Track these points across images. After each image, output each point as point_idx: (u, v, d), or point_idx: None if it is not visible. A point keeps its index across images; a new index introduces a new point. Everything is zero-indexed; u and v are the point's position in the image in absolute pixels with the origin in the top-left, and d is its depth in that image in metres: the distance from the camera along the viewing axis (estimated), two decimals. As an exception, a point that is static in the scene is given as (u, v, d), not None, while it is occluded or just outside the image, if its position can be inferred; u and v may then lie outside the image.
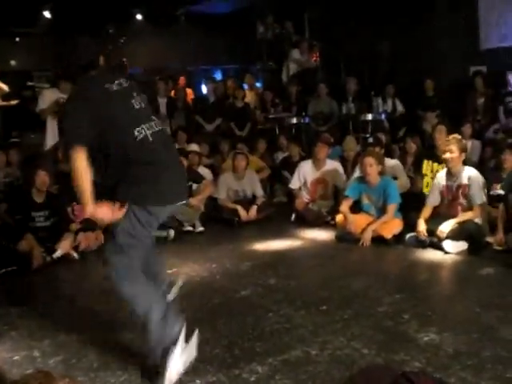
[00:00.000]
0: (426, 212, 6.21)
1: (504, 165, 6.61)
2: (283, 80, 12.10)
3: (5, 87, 6.27)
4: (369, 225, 6.38)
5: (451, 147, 6.03)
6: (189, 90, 11.75)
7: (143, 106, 3.45)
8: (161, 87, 10.12)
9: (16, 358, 3.83)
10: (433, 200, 6.25)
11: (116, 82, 3.40)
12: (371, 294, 4.76)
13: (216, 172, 8.54)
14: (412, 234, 6.16)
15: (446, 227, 5.89)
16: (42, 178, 6.28)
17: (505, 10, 10.29)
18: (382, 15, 11.25)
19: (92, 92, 3.33)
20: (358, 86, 10.69)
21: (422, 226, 6.06)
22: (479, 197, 5.97)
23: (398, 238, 6.26)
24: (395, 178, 7.02)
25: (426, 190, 6.87)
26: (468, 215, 5.95)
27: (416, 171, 7.43)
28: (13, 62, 14.98)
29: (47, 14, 13.51)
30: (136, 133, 3.29)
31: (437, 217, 6.16)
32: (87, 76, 3.72)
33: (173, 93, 10.99)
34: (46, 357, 3.84)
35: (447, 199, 6.16)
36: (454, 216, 6.02)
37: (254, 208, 7.64)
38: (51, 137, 7.74)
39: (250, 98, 11.01)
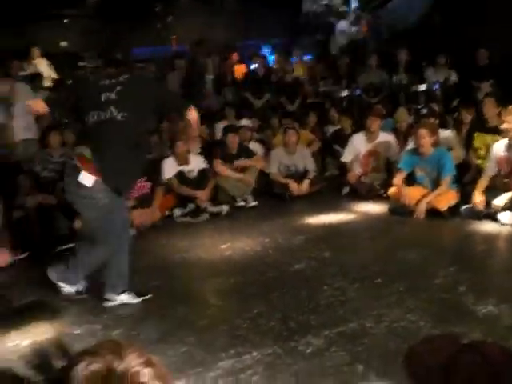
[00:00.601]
0: (483, 183, 6.08)
1: None
2: (332, 52, 11.96)
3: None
4: (423, 197, 6.29)
5: (508, 118, 5.87)
6: (241, 66, 11.68)
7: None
8: (208, 64, 10.10)
9: (77, 331, 3.94)
10: (490, 171, 6.11)
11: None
12: (426, 267, 4.71)
13: (267, 147, 8.54)
14: (467, 205, 6.05)
15: (500, 201, 5.77)
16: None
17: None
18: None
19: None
20: (410, 57, 10.47)
21: (478, 198, 5.95)
22: None
23: (453, 210, 6.16)
24: (450, 149, 6.89)
25: (479, 162, 6.72)
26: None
27: (469, 142, 7.26)
28: (63, 44, 15.20)
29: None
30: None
31: (492, 188, 6.03)
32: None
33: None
34: (106, 330, 3.94)
35: (504, 171, 6.01)
36: (510, 189, 5.88)
37: (306, 182, 7.62)
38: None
39: (299, 71, 10.92)
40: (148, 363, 1.11)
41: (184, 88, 9.50)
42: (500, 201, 5.77)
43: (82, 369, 1.06)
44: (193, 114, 4.18)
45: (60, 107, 4.53)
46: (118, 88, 4.05)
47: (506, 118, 5.92)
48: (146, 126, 4.33)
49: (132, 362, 1.09)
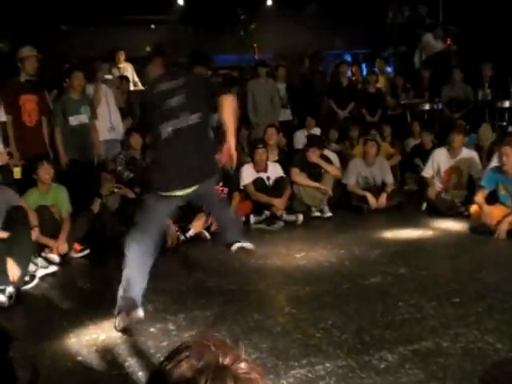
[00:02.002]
0: None
1: None
2: (415, 65, 11.79)
3: None
4: (505, 217, 6.11)
5: None
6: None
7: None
8: (280, 73, 10.06)
9: (151, 330, 4.03)
10: None
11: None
12: (506, 288, 4.58)
13: (344, 158, 8.48)
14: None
15: None
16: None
17: None
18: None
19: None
20: (495, 71, 10.21)
21: None
22: None
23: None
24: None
25: None
26: None
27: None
28: (148, 49, 15.57)
29: (181, 2, 13.92)
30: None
31: None
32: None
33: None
34: (180, 330, 4.02)
35: None
36: None
37: (384, 195, 7.54)
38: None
39: (380, 83, 10.83)
40: (254, 367, 1.13)
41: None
42: None
43: (191, 363, 1.08)
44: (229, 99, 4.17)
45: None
46: (183, 91, 4.10)
47: None
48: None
49: (241, 362, 1.12)
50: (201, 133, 4.15)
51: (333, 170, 7.56)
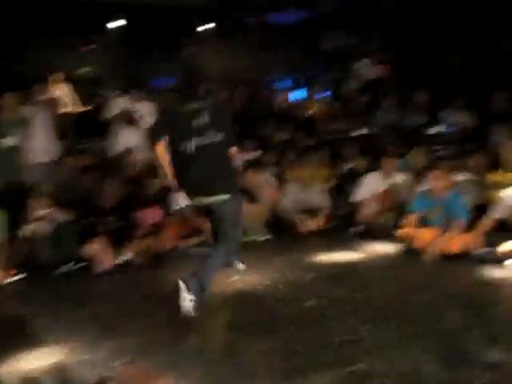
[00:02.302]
0: (489, 223, 6.09)
1: None
2: (350, 91, 12.04)
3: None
4: (435, 239, 6.27)
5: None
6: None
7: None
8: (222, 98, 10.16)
9: (85, 357, 3.94)
10: (496, 214, 6.11)
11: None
12: (437, 310, 4.67)
13: (281, 181, 8.53)
14: (480, 249, 6.02)
15: (507, 246, 5.76)
16: (112, 185, 6.43)
17: None
18: (453, 26, 11.10)
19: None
20: (427, 98, 10.53)
21: (477, 241, 6.01)
22: None
23: (466, 254, 6.13)
24: (464, 193, 6.88)
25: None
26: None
27: (484, 184, 7.26)
28: (84, 70, 15.40)
29: (119, 24, 13.84)
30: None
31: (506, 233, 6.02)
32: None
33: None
34: (113, 357, 3.90)
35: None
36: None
37: (319, 218, 7.63)
38: (120, 143, 7.93)
39: (317, 107, 11.00)
40: None
41: None
42: (507, 246, 5.76)
43: None
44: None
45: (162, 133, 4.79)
46: (207, 112, 4.57)
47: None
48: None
49: None
50: (222, 151, 4.61)
51: (269, 193, 7.60)
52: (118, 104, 7.99)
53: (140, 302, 5.06)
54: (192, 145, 4.54)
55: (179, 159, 4.67)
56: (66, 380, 3.63)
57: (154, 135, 4.85)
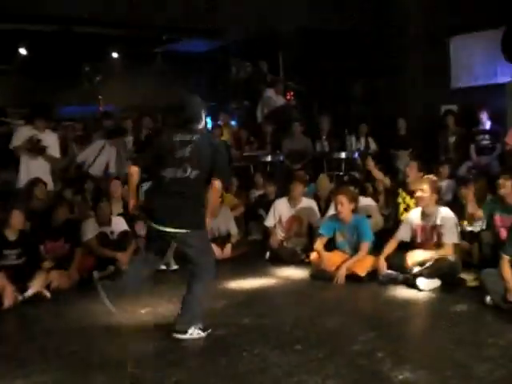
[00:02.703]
0: (392, 246, 6.30)
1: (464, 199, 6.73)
2: (258, 118, 12.21)
3: None
4: (343, 262, 6.41)
5: (423, 186, 6.13)
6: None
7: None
8: (128, 125, 10.11)
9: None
10: (402, 235, 6.33)
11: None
12: (346, 333, 4.77)
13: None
14: (386, 271, 6.20)
15: (416, 257, 5.97)
16: (17, 217, 6.21)
17: (475, 51, 10.59)
18: (355, 55, 11.49)
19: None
20: (332, 125, 10.82)
21: (381, 263, 6.20)
22: (451, 237, 6.05)
23: (372, 276, 6.29)
24: (369, 217, 7.09)
25: (401, 217, 6.94)
26: (440, 252, 6.01)
27: (389, 207, 7.51)
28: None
29: (23, 52, 13.52)
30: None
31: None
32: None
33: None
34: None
35: (421, 239, 6.22)
36: (425, 256, 6.11)
37: (229, 246, 7.65)
38: (25, 174, 7.70)
39: (225, 135, 11.07)
40: None
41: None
42: (416, 257, 5.97)
43: None
44: (217, 185, 4.73)
45: (145, 162, 4.97)
46: (191, 146, 4.61)
47: (419, 186, 6.18)
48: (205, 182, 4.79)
49: None
50: (194, 188, 4.64)
51: None
52: (23, 133, 7.75)
53: (45, 340, 4.87)
54: (169, 175, 4.62)
55: (154, 185, 4.90)
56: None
57: (136, 159, 5.08)
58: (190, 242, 4.71)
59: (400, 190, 7.30)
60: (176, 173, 4.61)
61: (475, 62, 10.61)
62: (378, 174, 7.82)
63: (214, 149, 4.76)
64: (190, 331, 4.62)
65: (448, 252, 6.01)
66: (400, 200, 7.24)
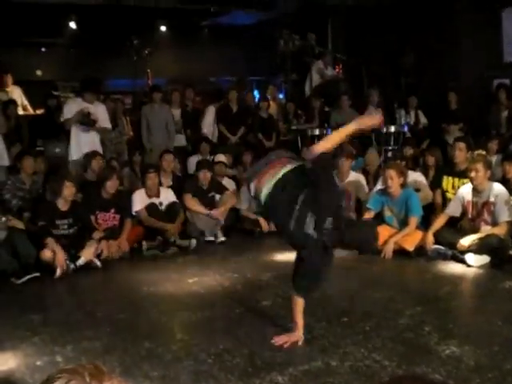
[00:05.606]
0: (441, 221, 6.21)
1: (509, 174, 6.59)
2: (306, 92, 12.11)
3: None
4: (391, 237, 6.36)
5: (476, 166, 5.98)
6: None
7: None
8: (175, 98, 10.07)
9: (38, 363, 3.87)
10: (452, 210, 6.24)
11: None
12: (392, 306, 4.75)
13: (239, 183, 8.54)
14: (435, 246, 6.13)
15: (466, 241, 5.87)
16: (70, 188, 6.34)
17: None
18: (406, 27, 11.27)
19: None
20: (381, 98, 10.66)
21: (429, 238, 6.12)
22: (505, 214, 5.94)
23: (420, 251, 6.23)
24: (418, 191, 6.99)
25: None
26: (493, 230, 5.91)
27: (435, 185, 7.37)
28: (38, 72, 15.19)
29: (73, 25, 13.69)
30: None
31: (459, 231, 6.15)
32: None
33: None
34: (68, 362, 3.86)
35: (471, 215, 6.13)
36: (476, 231, 6.01)
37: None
38: (76, 146, 7.82)
39: (272, 109, 11.03)
40: None
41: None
42: (465, 241, 5.87)
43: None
44: None
45: None
46: None
47: (472, 167, 6.05)
48: None
49: None
50: None
51: (227, 205, 7.57)
52: (73, 106, 7.86)
53: (95, 308, 4.99)
54: None
55: None
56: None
57: None
58: None
59: (445, 176, 7.07)
60: None
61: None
62: None
63: None
64: None
65: (501, 230, 5.90)
66: (445, 186, 7.05)
